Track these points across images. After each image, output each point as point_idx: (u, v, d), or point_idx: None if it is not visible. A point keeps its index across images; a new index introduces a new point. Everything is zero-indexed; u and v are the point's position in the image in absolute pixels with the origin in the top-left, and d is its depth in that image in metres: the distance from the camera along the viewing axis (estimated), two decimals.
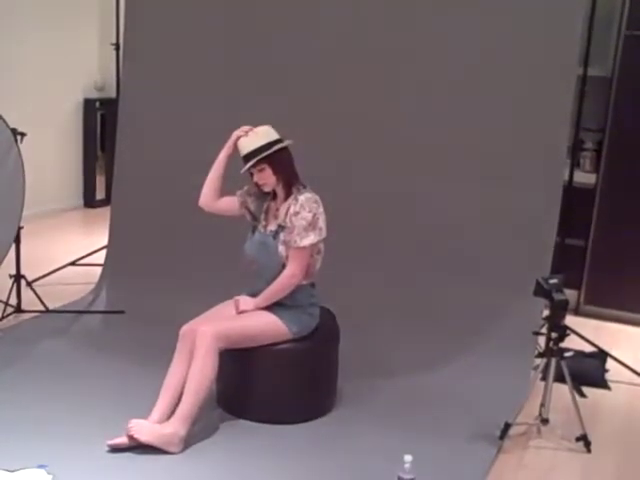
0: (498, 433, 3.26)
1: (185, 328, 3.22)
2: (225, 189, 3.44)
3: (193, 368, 3.09)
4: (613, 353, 4.21)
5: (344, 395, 3.58)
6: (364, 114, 4.17)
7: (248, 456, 3.07)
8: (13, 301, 4.37)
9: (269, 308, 3.29)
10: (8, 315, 4.30)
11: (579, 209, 4.73)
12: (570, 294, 3.83)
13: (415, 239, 4.16)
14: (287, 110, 4.10)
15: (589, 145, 4.99)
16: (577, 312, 4.96)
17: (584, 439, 3.26)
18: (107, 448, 3.00)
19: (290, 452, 3.11)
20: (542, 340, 3.46)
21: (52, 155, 6.91)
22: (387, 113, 4.14)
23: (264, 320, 3.26)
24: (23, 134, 4.21)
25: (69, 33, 6.90)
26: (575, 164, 4.63)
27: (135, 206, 4.72)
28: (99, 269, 4.90)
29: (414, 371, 3.84)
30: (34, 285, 4.57)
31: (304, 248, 3.22)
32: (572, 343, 4.05)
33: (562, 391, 3.41)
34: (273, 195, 3.35)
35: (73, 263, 5.25)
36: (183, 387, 3.09)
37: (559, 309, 3.19)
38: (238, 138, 3.29)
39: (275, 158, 3.21)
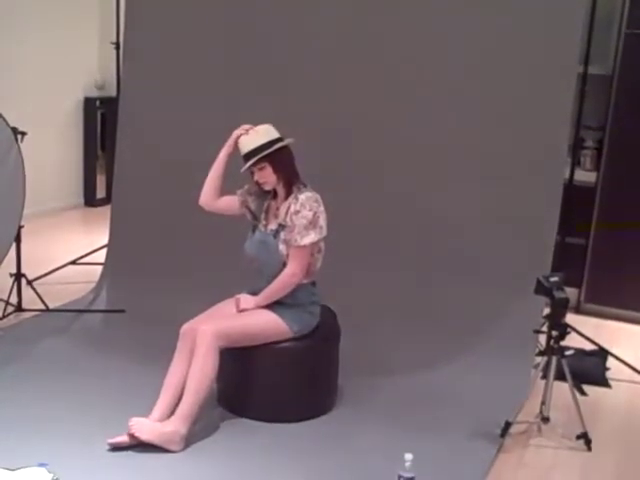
0: (498, 431, 3.26)
1: (185, 327, 3.22)
2: (225, 188, 3.44)
3: (194, 367, 3.09)
4: (614, 351, 4.22)
5: (344, 394, 3.58)
6: (364, 114, 4.17)
7: (249, 455, 3.07)
8: (14, 300, 4.37)
9: (270, 307, 3.29)
10: (9, 314, 4.30)
11: (579, 207, 4.72)
12: (571, 292, 3.84)
13: (415, 238, 4.16)
14: (287, 110, 4.10)
15: (589, 143, 4.99)
16: (578, 310, 4.96)
17: (585, 437, 3.27)
18: (108, 447, 3.00)
19: (290, 451, 3.11)
20: (543, 338, 3.46)
21: (52, 154, 6.91)
22: (387, 113, 4.14)
23: (265, 319, 3.26)
24: (23, 133, 4.21)
25: (69, 32, 6.90)
26: (576, 162, 4.62)
27: (135, 205, 4.73)
28: (99, 268, 4.90)
29: (414, 370, 3.84)
30: (34, 284, 4.57)
31: (304, 247, 3.22)
32: (573, 341, 4.04)
33: (563, 389, 3.41)
34: (273, 194, 3.35)
35: (73, 262, 5.25)
36: (184, 386, 3.09)
37: (560, 307, 3.19)
38: (239, 137, 3.29)
39: (275, 157, 3.21)
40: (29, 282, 4.53)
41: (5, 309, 4.30)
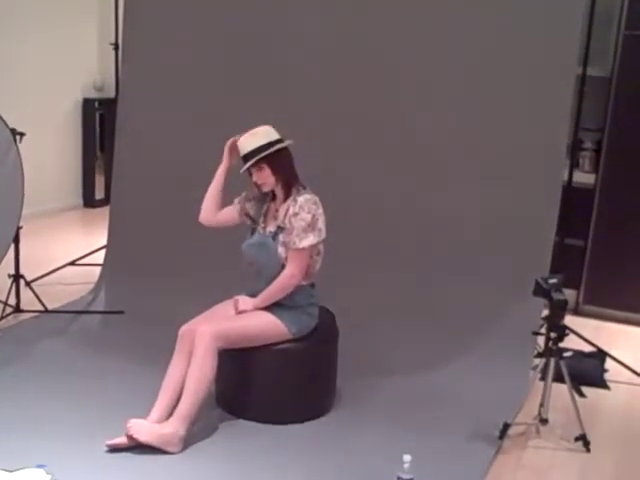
0: (497, 433, 3.26)
1: (184, 328, 3.22)
2: (224, 199, 3.44)
3: (192, 368, 3.08)
4: (612, 353, 4.22)
5: (343, 395, 3.58)
6: (364, 114, 4.17)
7: (247, 456, 3.06)
8: (12, 301, 4.36)
9: (268, 308, 3.29)
10: (7, 315, 4.30)
11: (578, 209, 4.73)
12: (569, 294, 3.84)
13: (415, 239, 4.16)
14: (287, 110, 4.11)
15: (588, 145, 4.99)
16: (576, 312, 4.96)
17: (583, 439, 3.26)
18: (106, 448, 3.00)
19: (289, 452, 3.11)
20: (541, 340, 3.46)
21: (51, 155, 6.91)
22: (387, 113, 4.14)
23: (263, 320, 3.26)
24: (22, 134, 4.20)
25: (68, 33, 6.90)
26: (574, 164, 4.63)
27: (134, 206, 4.72)
28: (98, 269, 4.90)
29: (413, 371, 3.84)
30: (33, 285, 4.57)
31: (303, 249, 3.22)
32: (571, 343, 4.05)
33: (561, 391, 3.41)
34: (272, 196, 3.35)
35: (72, 263, 5.25)
36: (182, 387, 3.09)
37: (558, 309, 3.19)
38: (232, 143, 3.30)
39: (274, 158, 3.21)
40: (28, 283, 4.52)
41: (4, 310, 4.30)
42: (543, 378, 3.33)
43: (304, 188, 3.29)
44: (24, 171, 4.22)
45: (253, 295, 3.33)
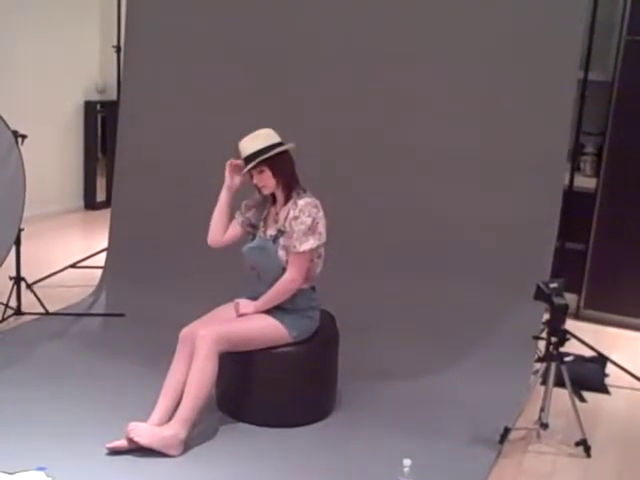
0: (498, 437, 3.25)
1: (185, 331, 3.22)
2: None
3: (193, 371, 3.08)
4: (613, 357, 4.21)
5: (344, 398, 3.57)
6: (364, 115, 4.17)
7: (248, 459, 3.06)
8: (13, 303, 4.36)
9: (269, 312, 3.29)
10: (8, 317, 4.30)
11: (579, 213, 4.72)
12: (570, 298, 3.84)
13: (415, 244, 4.15)
14: (287, 110, 4.12)
15: (589, 149, 4.99)
16: (577, 316, 4.96)
17: (584, 444, 3.26)
18: (106, 451, 3.00)
19: (290, 455, 3.11)
20: (542, 344, 3.46)
21: (53, 157, 6.92)
22: (387, 115, 4.14)
23: (264, 323, 3.26)
24: (24, 136, 4.21)
25: (71, 35, 6.91)
26: (575, 168, 4.63)
27: (135, 208, 4.73)
28: (99, 271, 4.90)
29: (414, 375, 3.84)
30: (34, 287, 4.57)
31: (303, 253, 3.22)
32: (572, 347, 4.03)
33: (562, 395, 3.40)
34: (273, 200, 3.35)
35: (73, 265, 5.25)
36: (183, 390, 3.09)
37: (559, 313, 3.19)
38: (232, 163, 3.32)
39: (275, 161, 3.22)
40: (29, 285, 4.52)
41: (4, 312, 4.30)
42: (544, 382, 3.33)
43: (304, 191, 3.29)
44: (25, 173, 4.23)
45: (254, 298, 3.33)
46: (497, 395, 3.65)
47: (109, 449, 3.00)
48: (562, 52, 3.85)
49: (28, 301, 4.44)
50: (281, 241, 3.25)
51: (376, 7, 4.14)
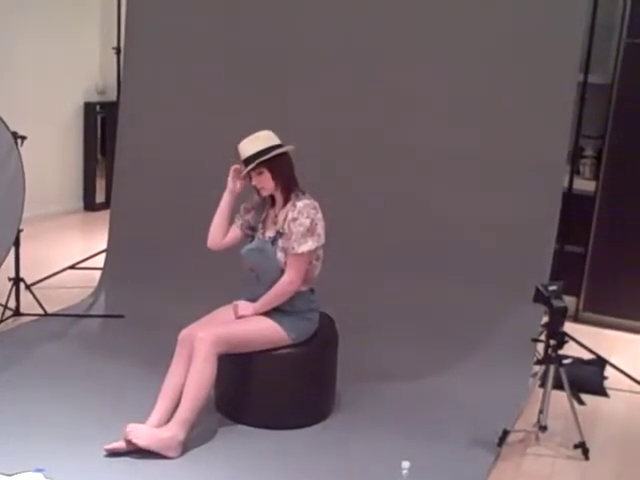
0: (496, 440, 3.25)
1: (184, 332, 3.22)
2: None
3: (192, 372, 3.08)
4: (612, 360, 4.21)
5: (343, 400, 3.57)
6: (364, 115, 4.17)
7: (247, 461, 3.06)
8: (12, 304, 4.36)
9: (268, 313, 3.29)
10: (7, 318, 4.29)
11: (579, 216, 4.72)
12: (569, 301, 3.84)
13: (415, 245, 4.16)
14: (287, 110, 4.13)
15: (589, 152, 4.99)
16: (576, 319, 4.96)
17: (582, 446, 3.26)
18: (105, 452, 3.00)
19: (289, 457, 3.10)
20: (541, 347, 3.46)
21: (52, 158, 6.91)
22: (387, 116, 4.14)
23: (263, 325, 3.25)
24: (23, 137, 4.21)
25: (70, 37, 6.91)
26: (575, 171, 4.63)
27: (135, 210, 4.72)
28: (98, 273, 4.90)
29: (412, 377, 3.84)
30: (33, 288, 4.57)
31: (302, 255, 3.22)
32: (571, 350, 4.05)
33: (560, 398, 3.40)
34: (272, 201, 3.35)
35: (72, 266, 5.25)
36: (182, 391, 3.09)
37: (558, 316, 3.19)
38: (234, 169, 3.31)
39: (274, 163, 3.22)
40: (28, 286, 4.52)
41: (3, 313, 4.29)
42: (542, 385, 3.33)
43: (303, 193, 3.29)
44: (25, 174, 4.22)
45: (253, 300, 3.34)
46: (496, 397, 3.65)
47: (108, 450, 3.00)
48: (562, 53, 3.85)
49: (27, 302, 4.43)
50: (280, 243, 3.25)
51: (376, 7, 4.14)
